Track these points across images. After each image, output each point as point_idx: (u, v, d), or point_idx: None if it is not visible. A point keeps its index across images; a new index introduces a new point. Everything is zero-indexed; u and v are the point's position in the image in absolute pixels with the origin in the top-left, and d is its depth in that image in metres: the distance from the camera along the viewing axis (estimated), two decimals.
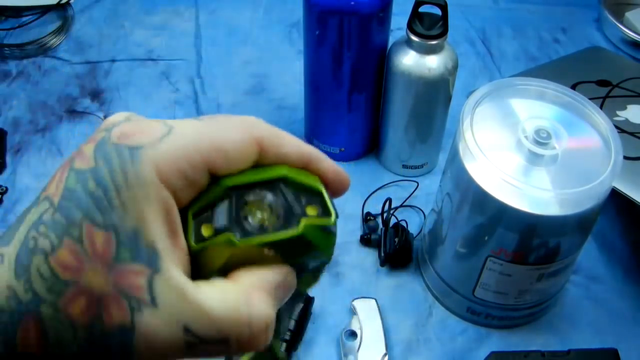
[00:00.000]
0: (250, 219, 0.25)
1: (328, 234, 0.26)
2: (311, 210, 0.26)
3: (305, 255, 0.26)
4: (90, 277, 0.21)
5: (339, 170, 0.28)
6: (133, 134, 0.23)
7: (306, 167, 0.27)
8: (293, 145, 0.27)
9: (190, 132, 0.24)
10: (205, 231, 0.24)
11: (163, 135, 0.23)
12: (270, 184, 0.26)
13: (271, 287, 0.24)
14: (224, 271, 0.25)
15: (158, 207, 0.22)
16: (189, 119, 0.25)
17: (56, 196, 0.22)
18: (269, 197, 0.25)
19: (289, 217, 0.25)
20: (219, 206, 0.25)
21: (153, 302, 0.21)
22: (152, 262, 0.22)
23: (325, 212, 0.26)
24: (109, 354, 0.21)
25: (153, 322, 0.21)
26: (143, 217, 0.22)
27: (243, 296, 0.23)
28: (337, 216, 0.26)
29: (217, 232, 0.24)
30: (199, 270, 0.25)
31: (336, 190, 0.28)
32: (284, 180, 0.26)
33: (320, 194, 0.26)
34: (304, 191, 0.26)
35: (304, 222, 0.25)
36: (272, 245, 0.24)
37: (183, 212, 0.25)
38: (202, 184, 0.24)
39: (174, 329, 0.21)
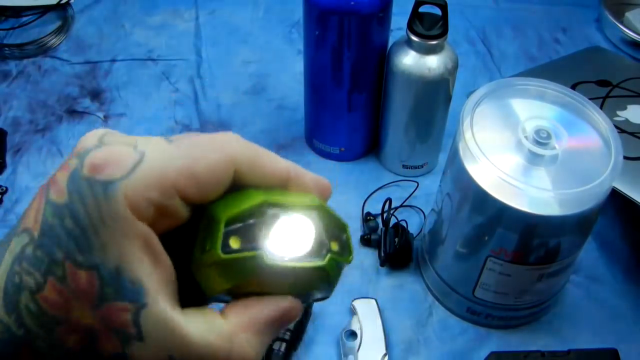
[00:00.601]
0: (281, 242, 0.25)
1: (340, 270, 0.27)
2: (334, 245, 0.26)
3: (316, 289, 0.26)
4: (79, 314, 0.22)
5: (320, 180, 0.28)
6: (104, 166, 0.22)
7: (286, 185, 0.27)
8: (272, 164, 0.26)
9: (160, 160, 0.23)
10: (234, 243, 0.24)
11: (134, 165, 0.23)
12: (307, 211, 0.26)
13: (263, 324, 0.25)
14: (232, 291, 0.25)
15: (137, 242, 0.22)
16: (160, 139, 0.24)
17: (36, 230, 0.23)
18: (304, 223, 0.26)
19: (315, 248, 0.25)
20: (252, 220, 0.25)
21: (139, 335, 0.22)
22: (137, 297, 0.22)
23: (344, 249, 0.27)
24: None
25: (141, 354, 0.23)
26: (124, 255, 0.22)
27: (227, 333, 0.24)
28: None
29: (246, 248, 0.24)
30: (204, 284, 0.25)
31: (320, 198, 0.28)
32: (320, 209, 0.26)
33: (344, 230, 0.27)
34: (332, 224, 0.26)
35: (329, 256, 0.25)
36: (296, 272, 0.25)
37: (195, 220, 0.25)
38: (178, 212, 0.24)
39: (160, 359, 0.23)
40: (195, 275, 0.25)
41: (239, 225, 0.24)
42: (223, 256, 0.23)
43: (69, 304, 0.22)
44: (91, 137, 0.24)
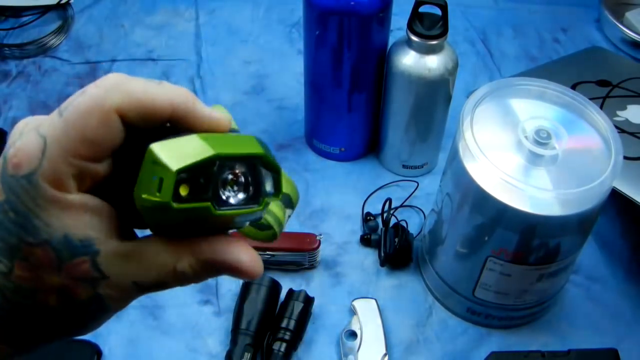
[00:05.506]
0: (226, 192, 0.27)
1: (276, 208, 0.31)
2: (268, 186, 0.28)
3: (249, 223, 0.30)
4: (48, 279, 0.26)
5: (214, 116, 0.30)
6: (20, 164, 0.26)
7: (181, 118, 0.29)
8: (161, 97, 0.28)
9: (55, 138, 0.26)
10: (183, 191, 0.25)
11: (42, 153, 0.26)
12: (249, 160, 0.27)
13: (205, 260, 0.28)
14: (172, 229, 0.27)
15: (71, 208, 0.26)
16: (54, 115, 0.28)
17: None
18: (246, 172, 0.27)
19: (253, 195, 0.27)
20: (201, 171, 0.26)
21: (102, 275, 0.27)
22: (89, 249, 0.26)
23: (276, 188, 0.29)
24: (91, 312, 0.28)
25: (111, 289, 0.27)
26: (65, 224, 0.26)
27: (175, 250, 0.27)
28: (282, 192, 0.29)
29: (195, 196, 0.25)
30: (148, 221, 0.27)
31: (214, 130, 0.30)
32: (261, 159, 0.28)
33: (278, 173, 0.29)
34: (268, 169, 0.28)
35: (266, 201, 0.28)
36: (237, 215, 0.27)
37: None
38: (96, 169, 0.27)
39: (127, 286, 0.27)
40: (140, 210, 0.26)
41: (187, 175, 0.25)
42: (175, 206, 0.25)
43: (37, 275, 0.26)
44: (15, 131, 0.28)
